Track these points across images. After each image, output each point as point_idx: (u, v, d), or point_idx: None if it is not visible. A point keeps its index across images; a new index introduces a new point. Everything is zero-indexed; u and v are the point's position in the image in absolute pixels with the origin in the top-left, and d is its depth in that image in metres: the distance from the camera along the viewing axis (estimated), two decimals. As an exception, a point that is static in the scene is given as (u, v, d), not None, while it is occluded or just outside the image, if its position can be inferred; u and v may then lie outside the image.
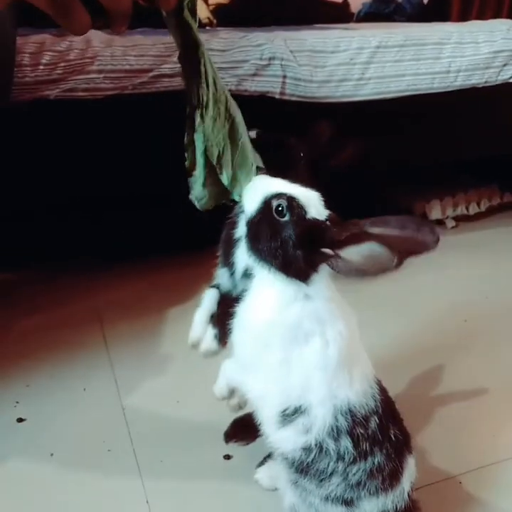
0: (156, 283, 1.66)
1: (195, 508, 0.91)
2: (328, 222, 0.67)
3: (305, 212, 0.66)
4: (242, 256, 0.82)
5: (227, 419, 1.04)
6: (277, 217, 0.67)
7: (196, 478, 0.97)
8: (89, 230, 1.69)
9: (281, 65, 1.48)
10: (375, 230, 0.64)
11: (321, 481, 0.73)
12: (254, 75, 1.47)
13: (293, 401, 0.71)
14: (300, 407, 0.71)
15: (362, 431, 0.71)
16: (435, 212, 2.10)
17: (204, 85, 0.67)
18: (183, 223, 1.76)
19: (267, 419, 0.75)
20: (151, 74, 1.38)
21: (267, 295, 0.70)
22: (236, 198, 0.72)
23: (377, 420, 0.73)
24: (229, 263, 0.89)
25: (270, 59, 1.47)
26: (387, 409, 0.75)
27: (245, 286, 0.77)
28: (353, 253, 0.64)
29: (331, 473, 0.72)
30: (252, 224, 0.69)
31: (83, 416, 1.11)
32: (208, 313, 0.89)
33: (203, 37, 1.46)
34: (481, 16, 3.37)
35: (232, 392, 0.84)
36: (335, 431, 0.70)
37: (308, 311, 0.69)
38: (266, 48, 1.46)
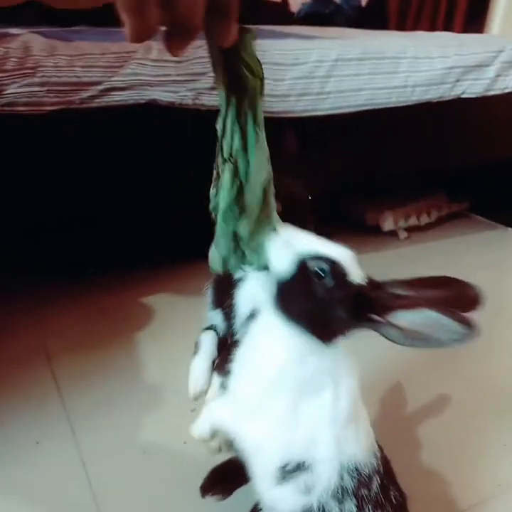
0: (106, 308, 1.55)
1: None
2: (368, 285, 0.63)
3: (347, 276, 0.62)
4: (246, 299, 0.75)
5: (201, 467, 0.97)
6: (317, 282, 0.61)
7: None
8: (31, 252, 1.55)
9: (241, 78, 1.40)
10: (420, 294, 0.61)
11: None
12: (213, 88, 1.38)
13: (296, 456, 0.65)
14: (303, 463, 0.65)
15: (366, 492, 0.67)
16: (388, 224, 2.11)
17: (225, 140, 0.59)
18: (131, 242, 1.67)
19: (263, 473, 0.68)
20: (100, 87, 1.25)
21: (283, 344, 0.65)
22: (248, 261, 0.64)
23: (379, 480, 0.68)
24: (223, 305, 0.81)
25: (229, 72, 1.38)
26: (386, 469, 0.71)
27: (248, 329, 0.71)
28: (407, 320, 0.59)
29: None
30: (285, 285, 0.63)
31: (38, 475, 1.00)
32: (209, 359, 0.81)
33: (156, 46, 1.37)
34: (418, 20, 3.44)
35: (213, 435, 0.77)
36: (340, 491, 0.66)
37: (323, 365, 0.65)
38: (224, 60, 1.38)
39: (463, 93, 1.76)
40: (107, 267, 1.66)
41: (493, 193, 2.28)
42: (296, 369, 0.64)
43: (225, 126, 0.59)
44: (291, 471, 0.65)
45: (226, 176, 0.59)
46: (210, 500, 0.94)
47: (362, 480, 0.66)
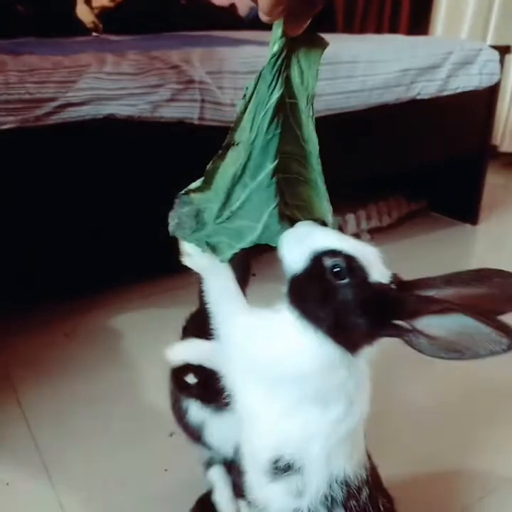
0: (71, 332, 1.48)
1: None
2: (393, 285, 0.56)
3: (367, 274, 0.56)
4: None
5: (184, 494, 0.95)
6: (333, 279, 0.55)
7: None
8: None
9: (200, 88, 1.37)
10: (455, 293, 0.53)
11: None
12: (171, 100, 1.35)
13: (287, 454, 0.61)
14: (294, 463, 0.62)
15: (354, 503, 0.65)
16: (350, 227, 2.12)
17: (243, 124, 0.59)
18: (93, 263, 1.61)
19: (256, 463, 0.65)
20: (55, 103, 1.20)
21: (313, 351, 0.58)
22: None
23: (367, 491, 0.67)
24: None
25: (187, 82, 1.36)
26: (374, 477, 0.70)
27: None
28: (438, 327, 0.51)
29: None
30: (298, 281, 0.58)
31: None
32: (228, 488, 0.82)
33: (110, 59, 1.32)
34: (364, 23, 3.50)
35: None
36: (329, 500, 0.64)
37: (339, 381, 0.59)
38: (182, 70, 1.35)
39: (418, 94, 1.79)
40: (69, 291, 1.59)
41: (449, 191, 2.34)
42: (318, 380, 0.59)
43: (244, 113, 0.58)
44: (282, 469, 0.62)
45: (228, 159, 0.59)
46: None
47: (351, 491, 0.64)
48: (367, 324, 0.56)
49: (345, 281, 0.55)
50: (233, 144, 0.60)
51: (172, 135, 1.38)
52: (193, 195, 0.63)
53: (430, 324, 0.52)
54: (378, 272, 0.57)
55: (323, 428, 0.61)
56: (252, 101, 0.58)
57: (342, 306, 0.56)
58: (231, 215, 0.61)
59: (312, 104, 0.61)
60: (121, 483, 1.02)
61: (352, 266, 0.56)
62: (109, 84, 1.27)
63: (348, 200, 2.16)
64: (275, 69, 0.57)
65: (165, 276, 1.71)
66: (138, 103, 1.30)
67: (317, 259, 0.57)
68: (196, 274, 0.66)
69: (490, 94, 2.01)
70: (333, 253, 0.56)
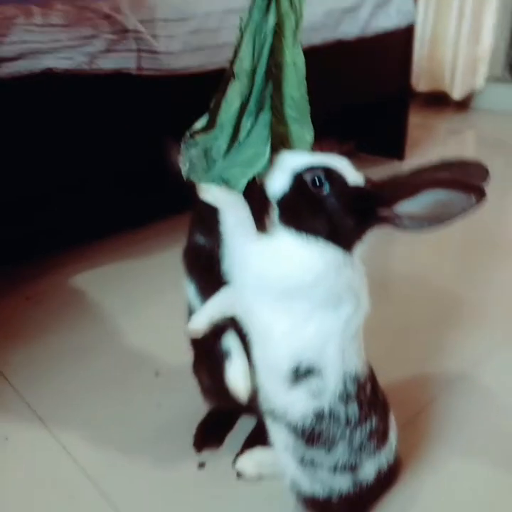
0: (31, 295, 1.46)
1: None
2: (368, 185, 0.64)
3: (345, 180, 0.63)
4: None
5: (180, 424, 1.02)
6: (316, 191, 0.62)
7: (175, 492, 0.91)
8: None
9: (134, 38, 1.36)
10: (421, 179, 0.61)
11: (330, 448, 0.73)
12: (107, 51, 1.33)
13: (306, 359, 0.68)
14: (313, 368, 0.69)
15: (363, 396, 0.73)
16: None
17: (240, 55, 0.62)
18: (48, 223, 1.58)
19: (275, 375, 0.71)
20: (-13, 59, 1.15)
21: (319, 255, 0.64)
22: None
23: (370, 385, 0.75)
24: (195, 277, 0.82)
25: (122, 32, 1.34)
26: (372, 374, 0.78)
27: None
28: (414, 206, 0.61)
29: (339, 439, 0.72)
30: (286, 202, 0.64)
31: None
32: (244, 357, 0.80)
33: (36, 10, 1.28)
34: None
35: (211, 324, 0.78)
36: (345, 396, 0.71)
37: (345, 278, 0.66)
38: (115, 19, 1.33)
39: (342, 35, 1.85)
40: (26, 254, 1.56)
41: (375, 131, 2.45)
42: (328, 280, 0.65)
43: (241, 43, 0.61)
44: (303, 374, 0.68)
45: (232, 92, 0.62)
46: (206, 452, 0.98)
47: (360, 385, 0.72)
48: (356, 221, 0.64)
49: (328, 190, 0.62)
50: (233, 77, 0.62)
51: (112, 87, 1.37)
52: (197, 136, 0.65)
53: (408, 206, 0.61)
54: (353, 177, 0.64)
55: (337, 328, 0.68)
56: (248, 31, 0.61)
57: (331, 212, 0.63)
58: (240, 146, 0.64)
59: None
60: (119, 422, 1.05)
61: (330, 176, 0.63)
62: (42, 36, 1.23)
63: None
64: None
65: (125, 232, 1.72)
66: (74, 55, 1.27)
67: (298, 177, 0.63)
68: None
69: (407, 34, 2.11)
70: (311, 169, 0.63)
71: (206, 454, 0.98)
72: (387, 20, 1.97)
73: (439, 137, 2.82)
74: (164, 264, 1.60)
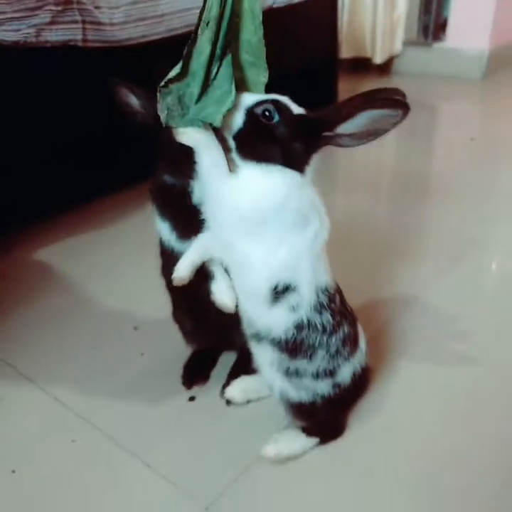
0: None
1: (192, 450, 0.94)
2: (309, 113, 0.73)
3: (291, 110, 0.72)
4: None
5: (170, 370, 1.10)
6: (267, 122, 0.71)
7: (171, 423, 0.99)
8: None
9: (78, 9, 1.38)
10: (354, 104, 0.71)
11: (311, 356, 0.83)
12: (52, 22, 1.35)
13: (283, 278, 0.77)
14: (290, 285, 0.78)
15: (334, 306, 0.83)
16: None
17: (209, 4, 0.68)
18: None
19: (256, 298, 0.80)
20: None
21: (280, 180, 0.73)
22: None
23: (339, 296, 0.86)
24: (169, 214, 0.89)
25: (65, 3, 1.36)
26: (338, 287, 0.88)
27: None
28: (353, 126, 0.71)
29: (318, 347, 0.83)
30: (242, 136, 0.72)
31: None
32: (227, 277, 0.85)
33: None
34: None
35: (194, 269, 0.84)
36: (318, 306, 0.81)
37: (306, 197, 0.75)
38: (57, -10, 1.34)
39: (273, 3, 1.94)
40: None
41: (307, 97, 2.55)
42: (293, 201, 0.73)
43: None
44: (281, 292, 0.78)
45: (203, 41, 0.68)
46: (195, 389, 1.06)
47: (330, 296, 0.82)
48: (305, 145, 0.74)
49: (276, 119, 0.72)
50: (205, 25, 0.69)
51: (59, 59, 1.39)
52: (171, 85, 0.72)
53: (347, 127, 0.72)
54: (296, 108, 0.74)
55: (306, 246, 0.77)
56: None
57: (283, 139, 0.73)
58: (209, 88, 0.72)
59: None
60: (106, 371, 1.11)
61: (278, 107, 0.72)
62: (-14, 9, 1.24)
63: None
64: None
65: (77, 207, 1.75)
66: (20, 27, 1.29)
67: (250, 112, 0.72)
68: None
69: (331, 1, 2.23)
70: (260, 102, 0.72)
71: (194, 390, 1.06)
72: (313, -12, 2.08)
73: (366, 101, 2.97)
74: (123, 232, 1.67)
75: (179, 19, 1.64)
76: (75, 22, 1.39)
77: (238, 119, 0.72)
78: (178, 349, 1.12)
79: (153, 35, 1.58)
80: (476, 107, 2.86)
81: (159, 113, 0.74)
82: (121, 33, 1.49)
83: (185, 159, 0.77)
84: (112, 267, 1.50)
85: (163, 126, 0.74)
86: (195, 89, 0.73)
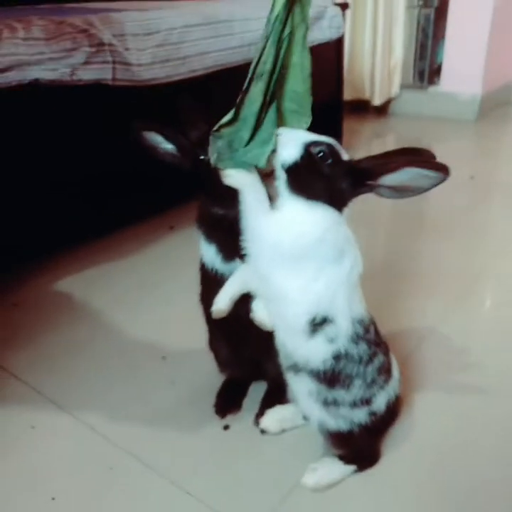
0: (19, 302, 1.49)
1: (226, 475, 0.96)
2: (356, 161, 0.79)
3: (341, 155, 0.78)
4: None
5: (202, 399, 1.12)
6: (321, 162, 0.77)
7: (207, 452, 1.01)
8: None
9: (110, 50, 1.45)
10: (397, 159, 0.77)
11: (348, 386, 0.86)
12: (86, 63, 1.41)
13: (321, 310, 0.81)
14: (327, 316, 0.82)
15: (369, 336, 0.87)
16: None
17: (264, 58, 0.73)
18: (31, 230, 1.60)
19: (294, 330, 0.83)
20: (-20, 71, 1.20)
21: (319, 217, 0.78)
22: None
23: (374, 327, 0.90)
24: (216, 240, 0.93)
25: (98, 45, 1.43)
26: (372, 318, 0.91)
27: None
28: (394, 180, 0.77)
29: (355, 377, 0.86)
30: (296, 169, 0.77)
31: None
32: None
33: (17, 25, 1.34)
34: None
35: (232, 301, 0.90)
36: (355, 337, 0.85)
37: (343, 232, 0.81)
38: (91, 33, 1.41)
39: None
40: (7, 262, 1.58)
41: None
42: (332, 236, 0.78)
43: (265, 49, 0.74)
44: (319, 323, 0.81)
45: (255, 91, 0.74)
46: (228, 417, 1.09)
47: (366, 327, 0.86)
48: (350, 188, 0.80)
49: (330, 161, 0.78)
50: (259, 76, 0.75)
51: (90, 96, 1.45)
52: (223, 130, 0.77)
53: (389, 180, 0.78)
54: (344, 154, 0.81)
55: (343, 279, 0.82)
56: (271, 38, 0.74)
57: (332, 180, 0.78)
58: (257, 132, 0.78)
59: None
60: (138, 400, 1.13)
61: (332, 150, 0.78)
62: (27, 49, 1.30)
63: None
64: (287, 7, 0.73)
65: (99, 237, 1.78)
66: (57, 67, 1.35)
67: (307, 149, 0.77)
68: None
69: (337, 47, 2.34)
70: (316, 143, 0.78)
71: (228, 419, 1.08)
72: (322, 34, 2.19)
73: (366, 140, 3.09)
74: (142, 262, 1.70)
75: (199, 61, 1.72)
76: (107, 62, 1.45)
77: (294, 153, 0.77)
78: (208, 378, 1.15)
79: (175, 75, 1.65)
80: (471, 148, 2.97)
81: (209, 155, 0.80)
82: (148, 73, 1.56)
83: (233, 193, 0.82)
84: (132, 297, 1.53)
85: (212, 167, 0.79)
86: (245, 134, 0.79)
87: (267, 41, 0.77)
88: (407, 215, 2.08)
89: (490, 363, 1.22)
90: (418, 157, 0.80)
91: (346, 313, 0.83)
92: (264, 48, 0.77)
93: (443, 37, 3.22)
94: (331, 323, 0.82)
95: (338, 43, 2.32)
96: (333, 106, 2.47)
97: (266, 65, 0.76)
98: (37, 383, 1.19)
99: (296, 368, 0.88)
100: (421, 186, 0.77)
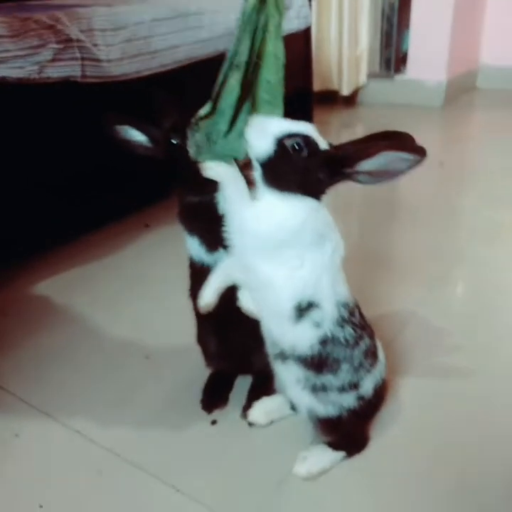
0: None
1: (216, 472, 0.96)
2: (333, 149, 0.79)
3: (317, 145, 0.77)
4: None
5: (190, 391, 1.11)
6: (296, 155, 0.76)
7: (196, 447, 1.01)
8: None
9: (78, 47, 1.42)
10: (374, 144, 0.77)
11: (336, 370, 0.87)
12: (54, 60, 1.38)
13: (306, 296, 0.82)
14: (313, 301, 0.82)
15: (354, 319, 0.88)
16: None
17: (239, 49, 0.74)
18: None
19: (280, 316, 0.84)
20: None
21: (299, 206, 0.78)
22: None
23: (358, 310, 0.91)
24: (197, 230, 0.93)
25: (66, 41, 1.40)
26: (356, 301, 0.92)
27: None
28: (371, 165, 0.76)
29: (342, 361, 0.87)
30: (270, 164, 0.76)
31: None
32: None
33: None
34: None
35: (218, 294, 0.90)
36: (340, 320, 0.85)
37: (321, 218, 0.81)
38: (58, 29, 1.38)
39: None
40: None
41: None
42: (311, 223, 0.79)
43: (241, 39, 0.75)
44: (304, 309, 0.82)
45: (232, 82, 0.75)
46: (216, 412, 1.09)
47: (351, 310, 0.87)
48: (327, 178, 0.79)
49: (305, 154, 0.77)
50: (235, 67, 0.75)
51: (59, 94, 1.42)
52: (201, 122, 0.78)
53: (366, 165, 0.77)
54: (321, 142, 0.80)
55: (326, 263, 0.82)
56: (246, 29, 0.74)
57: (308, 172, 0.78)
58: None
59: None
60: (123, 400, 1.13)
61: (307, 141, 0.77)
62: (-8, 47, 1.26)
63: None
64: None
65: (75, 239, 1.76)
66: (24, 65, 1.32)
67: (280, 143, 0.76)
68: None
69: (306, 37, 2.34)
70: (292, 136, 0.77)
71: (215, 414, 1.08)
72: (290, 24, 2.18)
73: (336, 131, 3.11)
74: (122, 262, 1.68)
75: (170, 55, 1.70)
76: (75, 59, 1.42)
77: (267, 147, 0.76)
78: (192, 375, 1.15)
79: (146, 70, 1.63)
80: (439, 133, 3.02)
81: (188, 148, 0.79)
82: (117, 68, 1.54)
83: (206, 180, 0.81)
84: (113, 297, 1.51)
85: (184, 151, 0.79)
86: (223, 126, 0.79)
87: (242, 32, 0.77)
88: (380, 203, 2.11)
89: (470, 344, 1.25)
90: (397, 141, 0.79)
91: (331, 297, 0.84)
92: (240, 39, 0.77)
93: (408, 25, 3.26)
94: (317, 307, 0.83)
95: (306, 33, 2.32)
96: (302, 97, 2.47)
97: (242, 56, 0.76)
98: (19, 390, 1.17)
99: (283, 356, 0.89)
100: (398, 169, 0.76)
